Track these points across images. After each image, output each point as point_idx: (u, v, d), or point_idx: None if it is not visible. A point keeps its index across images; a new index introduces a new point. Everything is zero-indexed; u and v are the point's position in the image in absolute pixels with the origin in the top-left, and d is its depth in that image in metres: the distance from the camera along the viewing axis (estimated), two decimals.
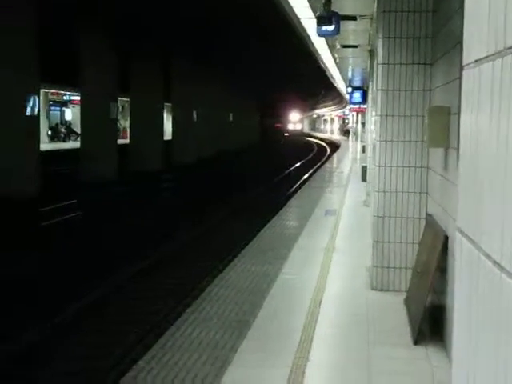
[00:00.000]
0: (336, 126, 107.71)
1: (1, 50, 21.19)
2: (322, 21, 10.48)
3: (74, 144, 40.74)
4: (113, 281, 11.50)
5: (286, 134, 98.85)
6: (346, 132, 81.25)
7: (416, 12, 7.83)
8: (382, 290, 8.08)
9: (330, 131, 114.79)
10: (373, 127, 12.26)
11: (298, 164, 40.46)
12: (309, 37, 16.20)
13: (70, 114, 51.93)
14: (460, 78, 5.21)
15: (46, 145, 37.72)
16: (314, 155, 50.33)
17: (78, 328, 9.31)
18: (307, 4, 11.66)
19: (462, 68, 1.67)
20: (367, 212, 13.77)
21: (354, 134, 54.35)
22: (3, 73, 21.21)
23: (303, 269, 9.45)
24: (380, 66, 8.04)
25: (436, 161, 7.21)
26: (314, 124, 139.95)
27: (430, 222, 7.21)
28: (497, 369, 1.32)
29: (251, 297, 7.91)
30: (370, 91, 18.44)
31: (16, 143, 21.61)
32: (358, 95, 26.42)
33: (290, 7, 12.14)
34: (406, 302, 7.40)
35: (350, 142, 55.66)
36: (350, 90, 28.19)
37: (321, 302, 7.71)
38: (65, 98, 51.38)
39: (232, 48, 38.82)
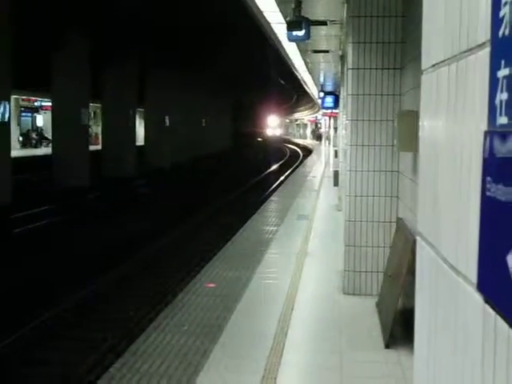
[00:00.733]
0: (309, 130, 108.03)
1: None
2: (292, 26, 10.51)
3: (45, 150, 40.43)
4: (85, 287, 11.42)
5: (259, 139, 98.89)
6: (318, 137, 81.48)
7: (385, 17, 7.88)
8: (354, 293, 8.11)
9: (302, 136, 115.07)
10: (344, 132, 12.31)
11: (269, 170, 40.46)
12: (280, 42, 16.23)
13: (41, 120, 51.54)
14: None
15: (17, 151, 37.40)
16: (286, 161, 50.37)
17: (54, 332, 9.24)
18: (277, 9, 11.68)
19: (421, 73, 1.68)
20: (339, 216, 13.82)
21: (326, 138, 54.53)
22: None
23: (276, 273, 9.45)
24: (350, 71, 8.08)
25: (406, 165, 7.26)
26: (286, 129, 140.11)
27: (401, 226, 7.25)
28: (455, 370, 1.33)
29: (224, 302, 7.90)
30: (341, 96, 18.52)
31: None
32: (330, 100, 26.53)
33: (260, 12, 12.16)
34: (378, 305, 7.43)
35: (323, 147, 55.79)
36: (322, 94, 28.30)
37: (293, 306, 7.72)
38: (36, 104, 50.99)
39: (204, 53, 38.80)
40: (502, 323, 1.07)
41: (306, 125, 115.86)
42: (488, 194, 1.14)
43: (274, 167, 42.26)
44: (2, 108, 22.05)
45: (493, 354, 1.11)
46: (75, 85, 28.56)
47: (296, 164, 42.52)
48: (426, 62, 1.63)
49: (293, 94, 75.10)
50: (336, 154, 21.09)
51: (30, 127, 50.79)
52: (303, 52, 18.09)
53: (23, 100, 48.49)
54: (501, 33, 1.10)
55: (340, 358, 6.06)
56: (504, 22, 1.08)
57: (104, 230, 17.70)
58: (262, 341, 6.50)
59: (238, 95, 75.62)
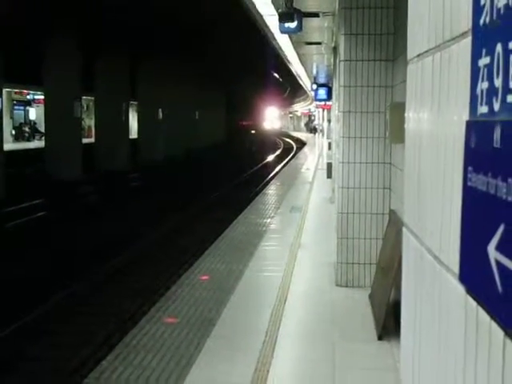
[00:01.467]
0: (302, 123, 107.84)
1: None
2: (284, 18, 10.49)
3: (38, 143, 40.31)
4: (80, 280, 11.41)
5: (253, 132, 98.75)
6: (312, 129, 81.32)
7: (377, 8, 7.86)
8: (346, 286, 8.11)
9: (296, 128, 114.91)
10: (337, 124, 12.30)
11: (263, 162, 40.45)
12: (273, 34, 16.20)
13: (34, 113, 51.36)
14: None
15: (10, 144, 37.30)
16: (281, 153, 50.36)
17: (47, 326, 9.23)
18: (269, 0, 11.66)
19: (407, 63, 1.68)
20: (332, 209, 13.81)
21: (320, 131, 54.53)
22: None
23: (269, 266, 9.45)
24: (342, 63, 8.06)
25: (398, 157, 7.25)
26: (280, 122, 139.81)
27: (393, 218, 7.24)
28: (439, 359, 1.33)
29: (216, 295, 7.89)
30: (334, 88, 18.50)
31: None
32: (323, 92, 26.52)
33: (253, 4, 12.13)
34: (371, 297, 7.43)
35: (317, 140, 55.81)
36: (315, 86, 28.27)
37: (286, 298, 7.72)
38: (28, 97, 50.81)
39: (197, 46, 38.70)
40: (483, 314, 1.07)
41: (299, 117, 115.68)
42: (469, 184, 1.14)
43: (266, 161, 42.23)
44: None
45: (474, 344, 1.11)
46: (67, 78, 28.48)
47: (289, 157, 42.47)
48: (411, 52, 1.63)
49: (286, 87, 75.05)
50: (330, 146, 21.09)
51: (22, 120, 50.62)
52: (296, 44, 18.06)
53: (15, 93, 48.31)
54: (482, 21, 1.09)
55: (333, 350, 6.07)
56: (485, 10, 1.07)
57: (95, 224, 17.67)
58: (254, 333, 6.50)
59: (230, 88, 75.46)
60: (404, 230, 1.69)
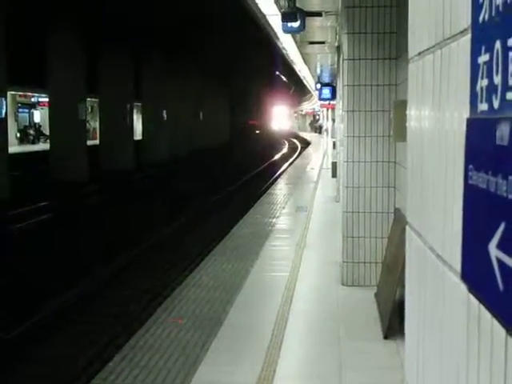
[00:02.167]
0: (307, 122, 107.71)
1: None
2: (286, 17, 10.48)
3: (43, 146, 40.39)
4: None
5: (257, 132, 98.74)
6: (317, 129, 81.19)
7: (380, 7, 7.85)
8: (352, 285, 8.10)
9: (300, 128, 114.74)
10: (341, 123, 12.29)
11: (268, 162, 40.45)
12: (275, 33, 16.20)
13: (38, 115, 51.43)
14: None
15: (15, 147, 37.38)
16: (285, 153, 50.37)
17: (54, 327, 9.24)
18: (271, 0, 11.65)
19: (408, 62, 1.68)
20: (338, 208, 13.81)
21: (325, 130, 54.50)
22: None
23: (274, 266, 9.46)
24: (345, 62, 8.05)
25: (402, 155, 7.24)
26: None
27: (398, 216, 7.24)
28: (442, 358, 1.33)
29: (222, 295, 7.90)
30: (338, 87, 18.49)
31: None
32: (327, 91, 26.46)
33: (256, 4, 12.13)
34: (376, 296, 7.43)
35: (322, 139, 55.79)
36: (319, 86, 28.24)
37: (292, 298, 7.72)
38: (33, 99, 50.90)
39: (200, 46, 38.74)
40: (485, 312, 1.07)
41: (304, 116, 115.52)
42: (470, 182, 1.14)
43: (271, 160, 42.23)
44: None
45: (477, 342, 1.10)
46: (71, 80, 28.52)
47: (294, 156, 42.46)
48: (412, 50, 1.63)
49: (290, 86, 75.02)
50: (334, 145, 21.07)
51: (27, 123, 50.70)
52: (299, 43, 18.05)
53: (20, 96, 48.40)
54: (481, 18, 1.09)
55: (339, 349, 6.06)
56: (484, 7, 1.07)
57: (102, 225, 17.69)
58: (260, 333, 6.50)
59: (234, 89, 75.51)
60: (407, 228, 1.69)
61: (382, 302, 6.96)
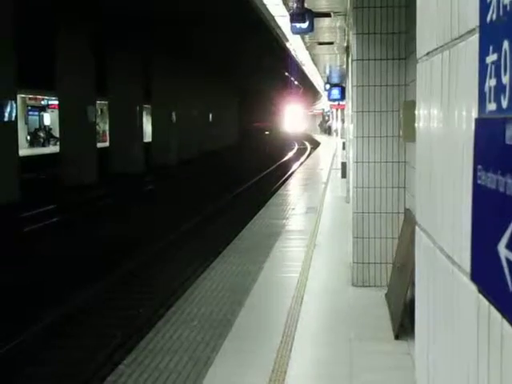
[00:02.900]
0: (317, 123, 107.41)
1: None
2: (295, 18, 10.48)
3: (53, 148, 40.50)
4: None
5: (267, 133, 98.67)
6: (326, 130, 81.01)
7: (389, 7, 7.83)
8: (362, 285, 8.09)
9: (309, 129, 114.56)
10: (350, 123, 12.28)
11: (277, 163, 40.45)
12: (284, 34, 16.19)
13: (48, 118, 51.58)
14: None
15: (25, 150, 37.51)
16: (295, 154, 50.38)
17: (63, 330, 9.27)
18: (280, 1, 11.64)
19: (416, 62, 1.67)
20: (347, 208, 13.79)
21: (334, 131, 54.48)
22: None
23: (285, 267, 9.45)
24: (354, 63, 8.04)
25: (412, 155, 7.22)
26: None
27: (408, 217, 7.22)
28: (452, 357, 1.32)
29: (233, 296, 7.89)
30: (347, 88, 18.46)
31: None
32: (336, 92, 26.48)
33: (264, 5, 12.13)
34: (387, 297, 7.41)
35: (332, 140, 55.77)
36: (328, 87, 28.23)
37: (302, 299, 7.71)
38: (43, 102, 51.06)
39: (209, 48, 38.78)
40: (495, 312, 1.07)
41: (314, 116, 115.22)
42: (479, 182, 1.13)
43: (281, 161, 42.23)
44: (8, 107, 22.09)
45: (487, 342, 1.10)
46: (81, 83, 28.61)
47: (304, 157, 42.43)
48: (420, 50, 1.62)
49: (299, 87, 74.93)
50: (344, 145, 21.06)
51: (37, 126, 50.86)
52: (308, 44, 18.03)
53: (30, 99, 48.56)
54: (489, 18, 1.08)
55: (350, 350, 6.05)
56: (491, 7, 1.07)
57: (110, 227, 17.73)
58: (271, 334, 6.49)
59: (243, 90, 75.51)
60: (417, 228, 1.68)
61: (392, 302, 6.94)
